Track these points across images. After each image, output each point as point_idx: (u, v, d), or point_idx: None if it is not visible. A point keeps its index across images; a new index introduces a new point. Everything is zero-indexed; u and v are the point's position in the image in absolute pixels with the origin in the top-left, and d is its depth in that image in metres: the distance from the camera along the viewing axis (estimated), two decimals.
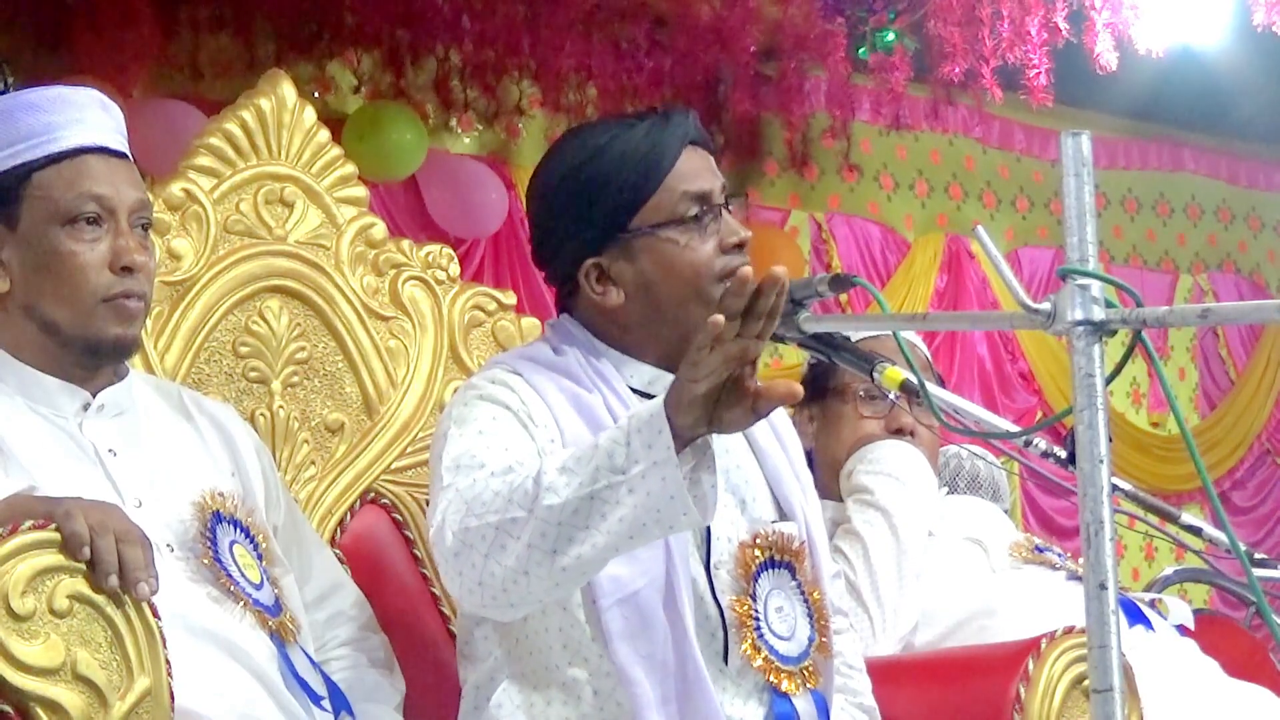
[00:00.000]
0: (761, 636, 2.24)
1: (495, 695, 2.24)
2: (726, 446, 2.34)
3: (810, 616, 2.30)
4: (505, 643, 2.27)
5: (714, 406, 1.95)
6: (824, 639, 2.31)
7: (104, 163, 2.23)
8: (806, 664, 2.27)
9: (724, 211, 2.34)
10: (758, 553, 2.28)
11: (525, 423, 2.24)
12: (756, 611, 2.24)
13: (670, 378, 2.27)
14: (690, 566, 2.22)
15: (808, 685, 2.26)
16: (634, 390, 2.33)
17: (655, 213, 2.31)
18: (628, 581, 2.17)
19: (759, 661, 2.22)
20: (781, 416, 2.51)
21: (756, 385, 1.95)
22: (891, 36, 6.27)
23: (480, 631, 2.30)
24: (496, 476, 2.08)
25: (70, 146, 2.21)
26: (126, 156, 2.27)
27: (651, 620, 2.18)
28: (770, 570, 2.29)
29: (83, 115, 2.23)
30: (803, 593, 2.31)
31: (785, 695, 2.23)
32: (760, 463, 2.40)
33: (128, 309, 2.21)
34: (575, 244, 2.34)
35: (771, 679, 2.23)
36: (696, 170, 2.34)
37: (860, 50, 6.39)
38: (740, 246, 2.32)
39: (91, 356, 2.23)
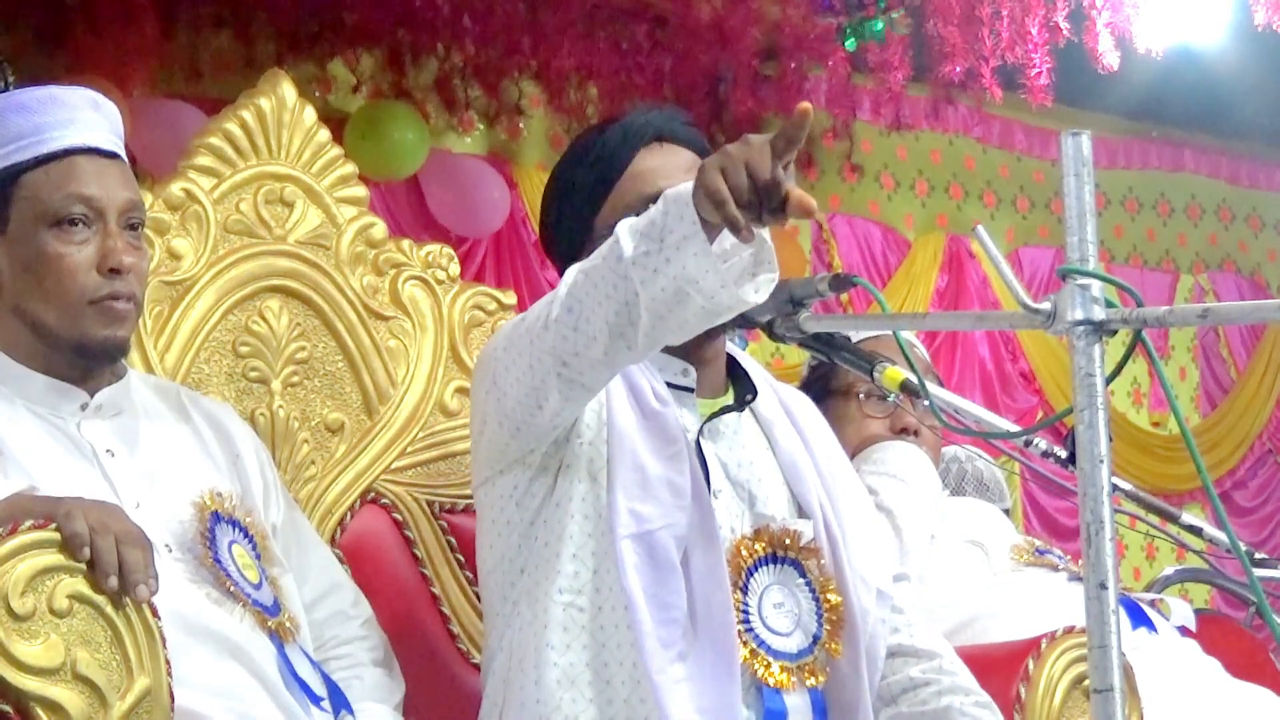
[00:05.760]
0: (750, 629, 2.24)
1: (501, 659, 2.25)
2: (743, 442, 2.35)
3: (819, 615, 2.30)
4: (514, 599, 2.26)
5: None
6: (835, 639, 2.29)
7: (93, 164, 2.22)
8: (807, 661, 2.27)
9: None
10: (759, 547, 2.28)
11: None
12: (745, 604, 2.24)
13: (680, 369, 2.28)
14: (717, 532, 2.23)
15: (806, 683, 2.25)
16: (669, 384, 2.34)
17: (610, 214, 2.31)
18: (646, 519, 2.19)
19: (743, 653, 2.22)
20: (811, 413, 2.51)
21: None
22: (880, 25, 6.25)
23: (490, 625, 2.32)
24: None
25: (59, 148, 2.20)
26: (118, 156, 2.26)
27: (662, 563, 2.18)
28: (771, 565, 2.29)
29: (74, 116, 2.22)
30: (813, 591, 2.31)
31: (776, 690, 2.22)
32: (778, 459, 2.39)
33: (115, 310, 2.21)
34: (563, 246, 2.39)
35: (759, 672, 2.22)
36: (654, 170, 2.33)
37: (848, 41, 6.37)
38: None
39: (81, 358, 2.23)
